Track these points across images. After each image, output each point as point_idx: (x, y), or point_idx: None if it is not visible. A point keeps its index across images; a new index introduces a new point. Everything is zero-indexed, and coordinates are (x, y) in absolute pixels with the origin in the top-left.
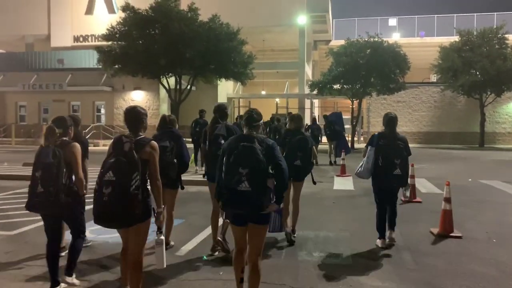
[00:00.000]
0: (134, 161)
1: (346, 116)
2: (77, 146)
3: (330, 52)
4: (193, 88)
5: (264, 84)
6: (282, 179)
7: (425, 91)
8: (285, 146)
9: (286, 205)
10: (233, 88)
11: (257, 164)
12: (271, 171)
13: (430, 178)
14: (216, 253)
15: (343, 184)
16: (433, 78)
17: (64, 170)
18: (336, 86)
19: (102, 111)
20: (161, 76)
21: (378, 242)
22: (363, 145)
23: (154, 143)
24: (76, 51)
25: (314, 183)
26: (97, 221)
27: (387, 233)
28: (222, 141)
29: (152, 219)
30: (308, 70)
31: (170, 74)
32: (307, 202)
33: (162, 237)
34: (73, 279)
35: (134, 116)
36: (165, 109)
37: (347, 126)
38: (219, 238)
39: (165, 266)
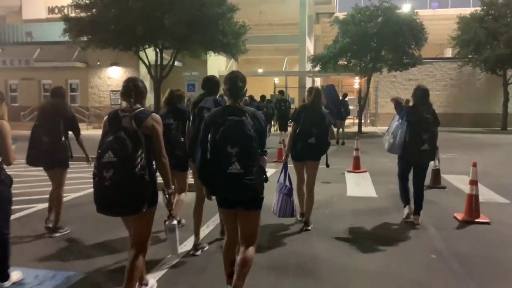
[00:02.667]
0: (137, 136)
1: (352, 97)
2: (5, 124)
3: (335, 20)
4: (178, 63)
5: (261, 62)
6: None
7: (440, 68)
8: (299, 122)
9: (300, 189)
10: (225, 65)
11: (249, 142)
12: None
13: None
14: (199, 252)
15: (360, 185)
16: (448, 53)
17: None
18: (342, 61)
19: (79, 91)
20: (140, 49)
21: (405, 210)
22: (371, 129)
23: (156, 115)
24: (49, 23)
25: (328, 165)
26: (101, 210)
27: (414, 218)
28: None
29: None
30: (310, 45)
31: (147, 45)
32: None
33: (175, 222)
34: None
35: (134, 86)
36: (147, 89)
37: (352, 107)
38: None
39: (179, 252)
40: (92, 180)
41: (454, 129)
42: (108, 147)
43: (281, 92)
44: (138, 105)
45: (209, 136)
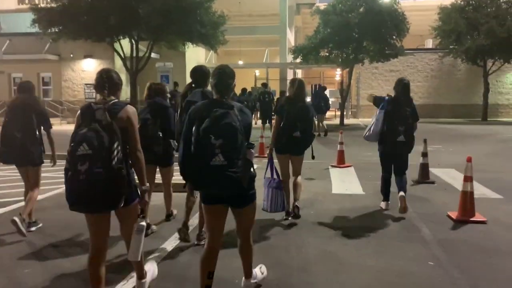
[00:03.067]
0: (112, 128)
1: (333, 89)
2: None
3: (316, 10)
4: (155, 55)
5: (242, 54)
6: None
7: (421, 59)
8: (283, 115)
9: (286, 183)
10: (205, 57)
11: (234, 133)
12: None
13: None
14: (202, 242)
15: (345, 182)
16: (429, 44)
17: None
18: (324, 53)
19: (52, 84)
20: (114, 40)
21: (382, 204)
22: (353, 121)
23: (131, 107)
24: (18, 14)
25: (313, 157)
26: (74, 207)
27: (399, 194)
28: None
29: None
30: (291, 36)
31: (121, 36)
32: (292, 230)
33: (144, 223)
34: None
35: (108, 77)
36: (122, 81)
37: (333, 99)
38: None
39: (139, 259)
40: (62, 179)
41: (435, 120)
42: (82, 140)
43: (264, 84)
44: (113, 97)
45: (193, 129)
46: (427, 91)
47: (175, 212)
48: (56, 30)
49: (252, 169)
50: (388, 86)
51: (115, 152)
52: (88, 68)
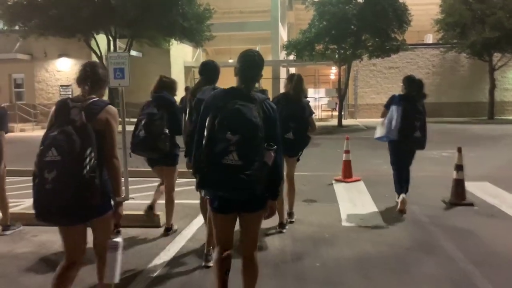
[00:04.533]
0: (86, 132)
1: (328, 87)
2: None
3: (310, 1)
4: (137, 54)
5: (232, 52)
6: (277, 172)
7: (422, 55)
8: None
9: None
10: (192, 55)
11: (252, 130)
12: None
13: (496, 181)
14: (211, 263)
15: (357, 205)
16: (429, 40)
17: None
18: (319, 48)
19: (24, 86)
20: (90, 37)
21: (400, 199)
22: (351, 122)
23: (112, 107)
24: None
25: (298, 159)
26: (39, 218)
27: (401, 196)
28: None
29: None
30: (283, 32)
31: (95, 32)
32: None
33: (119, 239)
34: None
35: (92, 72)
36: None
37: (328, 99)
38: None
39: (117, 280)
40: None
41: (438, 120)
42: (51, 143)
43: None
44: (93, 96)
45: (207, 121)
46: (428, 89)
47: (175, 226)
48: (21, 26)
49: (268, 173)
50: (388, 84)
51: (88, 159)
52: (63, 68)
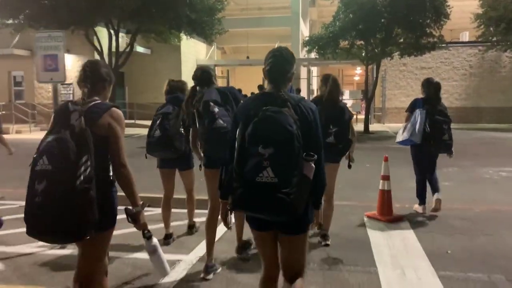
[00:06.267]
0: (83, 137)
1: (352, 89)
2: None
3: None
4: (145, 50)
5: (250, 51)
6: (320, 179)
7: (458, 54)
8: None
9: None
10: (206, 53)
11: (289, 141)
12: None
13: None
14: (211, 276)
15: (406, 273)
16: (464, 38)
17: None
18: (344, 45)
19: (24, 84)
20: (89, 30)
21: (418, 208)
22: (378, 127)
23: (116, 110)
24: None
25: (350, 166)
26: (30, 233)
27: (435, 195)
28: (216, 109)
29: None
30: (304, 30)
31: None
32: None
33: (154, 242)
34: None
35: (92, 71)
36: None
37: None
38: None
39: (168, 272)
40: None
41: (476, 126)
42: (43, 151)
43: (260, 86)
44: (96, 98)
45: (237, 132)
46: (465, 92)
47: (197, 224)
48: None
49: (310, 187)
50: (419, 86)
51: (83, 168)
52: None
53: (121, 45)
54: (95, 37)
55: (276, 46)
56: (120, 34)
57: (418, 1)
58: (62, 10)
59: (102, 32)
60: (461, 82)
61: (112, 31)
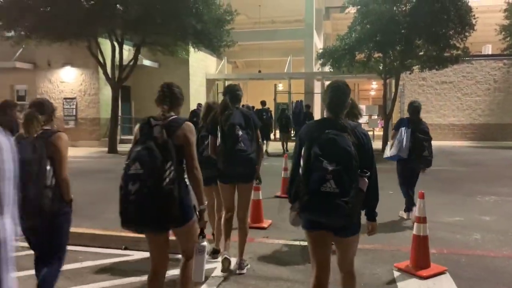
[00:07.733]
0: (167, 147)
1: (368, 104)
2: (64, 137)
3: (350, 1)
4: (152, 64)
5: (263, 65)
6: (374, 191)
7: (481, 68)
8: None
9: None
10: (216, 67)
11: (348, 158)
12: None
13: None
14: (244, 270)
15: None
16: (488, 51)
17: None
18: (360, 57)
19: (27, 99)
20: (92, 42)
21: (404, 214)
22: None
23: (189, 124)
24: None
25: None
26: (125, 225)
27: (407, 213)
28: (240, 132)
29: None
30: (318, 43)
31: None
32: None
33: (205, 243)
34: None
35: (170, 92)
36: (107, 94)
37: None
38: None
39: (203, 279)
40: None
41: (501, 144)
42: (136, 158)
43: (262, 102)
44: (172, 113)
45: (303, 151)
46: (488, 107)
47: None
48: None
49: (362, 200)
50: (439, 102)
51: (167, 172)
52: (67, 79)
53: (127, 58)
54: (98, 50)
55: (288, 60)
56: (127, 47)
57: (441, 10)
58: (60, 21)
59: (106, 45)
60: (485, 97)
61: (115, 43)
